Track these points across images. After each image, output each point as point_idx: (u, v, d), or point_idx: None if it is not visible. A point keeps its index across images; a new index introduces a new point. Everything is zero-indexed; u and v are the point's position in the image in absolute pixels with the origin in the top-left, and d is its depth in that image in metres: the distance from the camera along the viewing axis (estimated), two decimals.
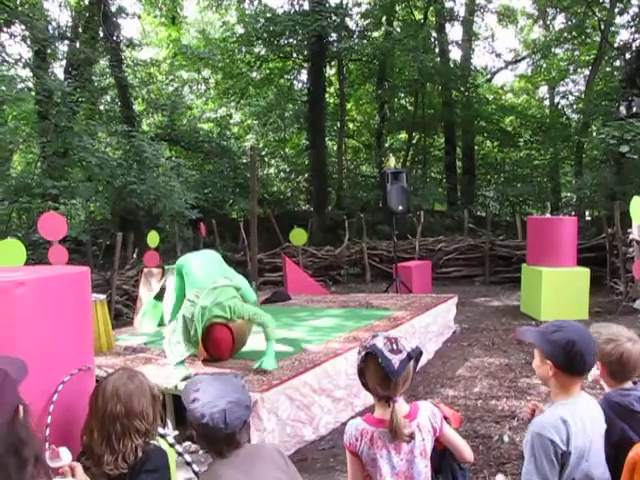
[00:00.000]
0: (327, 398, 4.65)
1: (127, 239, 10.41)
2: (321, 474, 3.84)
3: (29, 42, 12.55)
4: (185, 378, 4.29)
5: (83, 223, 14.77)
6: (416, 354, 2.04)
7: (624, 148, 9.96)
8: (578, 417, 1.99)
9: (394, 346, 2.01)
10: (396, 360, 1.97)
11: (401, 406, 2.04)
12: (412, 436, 2.02)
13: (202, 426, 1.90)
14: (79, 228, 11.87)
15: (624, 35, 18.10)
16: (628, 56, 15.09)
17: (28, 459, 1.43)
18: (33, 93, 12.55)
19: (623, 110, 11.38)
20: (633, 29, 15.75)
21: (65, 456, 1.86)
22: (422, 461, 2.06)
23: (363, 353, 2.05)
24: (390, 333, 2.15)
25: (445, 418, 2.21)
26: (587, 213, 17.10)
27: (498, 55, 21.03)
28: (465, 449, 2.19)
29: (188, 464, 2.24)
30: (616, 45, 17.05)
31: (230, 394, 1.95)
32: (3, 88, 10.88)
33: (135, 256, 10.52)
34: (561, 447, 1.93)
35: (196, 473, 2.25)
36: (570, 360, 2.01)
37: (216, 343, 4.86)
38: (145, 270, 8.32)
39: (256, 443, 2.13)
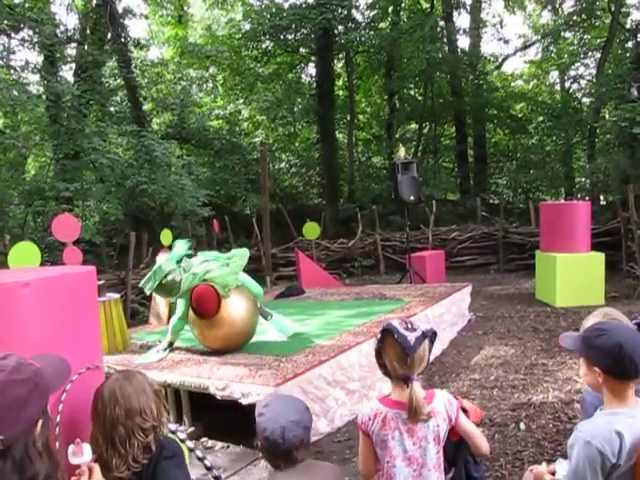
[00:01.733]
0: (341, 390, 4.66)
1: (141, 238, 10.48)
2: (338, 465, 3.85)
3: (37, 47, 12.64)
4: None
5: (97, 224, 14.89)
6: (430, 334, 2.12)
7: (637, 130, 9.85)
8: (635, 431, 1.87)
9: (409, 325, 2.10)
10: (412, 337, 2.04)
11: (419, 388, 2.06)
12: (430, 415, 2.03)
13: (264, 439, 2.07)
14: (93, 230, 11.98)
15: (636, 15, 17.83)
16: (639, 38, 14.87)
17: (32, 478, 1.39)
18: (44, 97, 12.66)
19: (635, 92, 11.23)
20: None
21: (87, 454, 1.88)
22: (434, 447, 2.07)
23: (380, 334, 2.14)
24: None
25: (464, 410, 2.20)
26: (601, 197, 16.92)
27: (506, 42, 20.83)
28: (481, 441, 2.17)
29: (200, 459, 2.26)
30: (627, 26, 16.79)
31: (292, 414, 2.11)
32: (15, 93, 10.98)
33: (149, 255, 10.58)
34: (610, 460, 1.84)
35: (209, 468, 2.26)
36: (620, 365, 1.91)
37: (199, 298, 4.90)
38: None
39: (316, 461, 2.28)
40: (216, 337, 5.10)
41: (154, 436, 2.01)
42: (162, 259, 5.26)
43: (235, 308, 5.09)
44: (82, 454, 1.87)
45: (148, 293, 5.23)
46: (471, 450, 2.17)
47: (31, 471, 1.39)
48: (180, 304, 5.27)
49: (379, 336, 2.14)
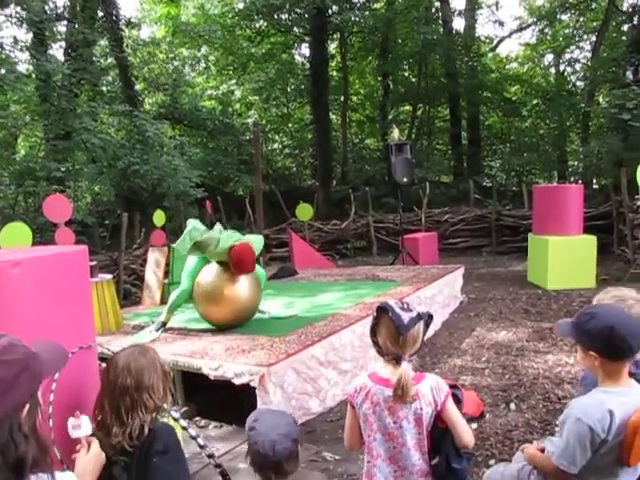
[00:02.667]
0: (334, 371, 4.68)
1: (133, 219, 10.43)
2: (330, 445, 3.88)
3: (26, 24, 12.43)
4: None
5: (89, 205, 14.81)
6: (426, 317, 2.13)
7: (626, 116, 9.87)
8: (626, 410, 1.91)
9: (405, 305, 2.13)
10: (406, 316, 2.06)
11: (409, 368, 2.07)
12: (414, 398, 2.04)
13: (255, 452, 2.13)
14: (85, 211, 11.91)
15: None
16: (635, 21, 14.81)
17: (17, 462, 1.36)
18: (33, 76, 12.50)
19: (630, 75, 11.23)
20: None
21: (85, 427, 1.92)
22: (415, 429, 2.07)
23: (375, 311, 2.17)
24: None
25: (457, 400, 2.18)
26: (594, 181, 16.95)
27: (501, 24, 20.70)
28: (464, 433, 2.11)
29: (193, 438, 2.27)
30: (624, 9, 16.71)
31: (281, 427, 2.16)
32: (3, 71, 10.82)
33: (142, 236, 10.54)
34: (600, 436, 1.88)
35: (202, 447, 2.28)
36: (613, 346, 1.93)
37: (242, 253, 5.15)
38: (151, 249, 8.35)
39: (304, 471, 2.36)
40: (221, 313, 5.25)
41: (153, 417, 2.04)
42: (190, 222, 5.31)
43: (239, 285, 5.25)
44: (80, 427, 1.91)
45: (184, 254, 5.27)
46: (454, 440, 2.16)
47: (15, 455, 1.36)
48: (186, 278, 5.35)
49: (375, 314, 2.16)
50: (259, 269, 5.75)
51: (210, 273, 5.32)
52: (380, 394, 2.08)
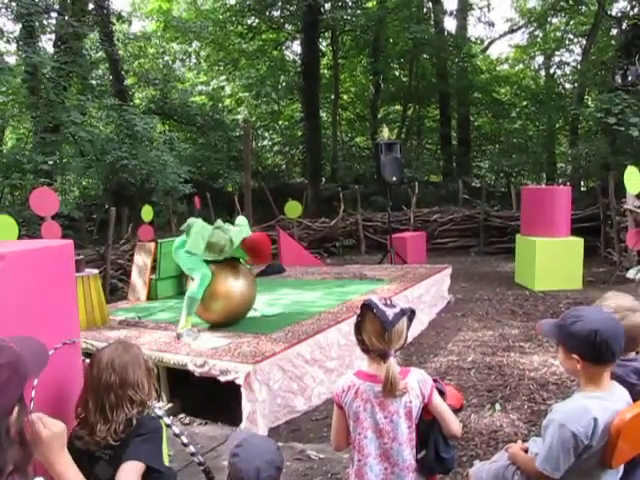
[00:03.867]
0: (319, 369, 4.67)
1: (121, 214, 10.36)
2: (314, 443, 3.88)
3: (14, 15, 12.30)
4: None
5: (77, 199, 14.70)
6: (409, 312, 2.15)
7: (611, 120, 9.95)
8: (609, 414, 1.89)
9: (388, 302, 2.14)
10: (390, 312, 2.08)
11: (395, 364, 2.08)
12: (404, 391, 2.06)
13: (237, 479, 2.07)
14: (72, 205, 11.81)
15: (621, 4, 17.87)
16: (624, 26, 14.90)
17: (1, 469, 1.31)
18: (23, 68, 12.38)
19: (619, 79, 11.29)
20: None
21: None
22: (405, 422, 2.09)
23: (359, 309, 2.17)
24: None
25: (440, 392, 2.22)
26: (582, 183, 17.06)
27: (491, 24, 20.78)
28: (452, 422, 2.18)
29: (177, 436, 2.25)
30: (614, 14, 16.82)
31: (265, 454, 2.11)
32: None
33: (129, 231, 10.48)
34: (583, 442, 1.86)
35: (185, 444, 2.26)
36: (596, 351, 1.90)
37: (261, 241, 5.29)
38: (139, 244, 8.30)
39: None
40: (216, 310, 5.19)
41: (137, 412, 2.03)
42: (196, 221, 5.26)
43: (234, 282, 5.20)
44: None
45: (200, 254, 5.08)
46: (442, 430, 2.20)
47: (1, 460, 1.31)
48: (200, 271, 5.10)
49: (359, 311, 2.17)
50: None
51: None
52: (370, 390, 2.10)
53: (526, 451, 2.32)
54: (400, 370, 2.10)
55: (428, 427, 2.17)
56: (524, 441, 2.52)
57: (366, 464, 2.13)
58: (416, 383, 2.12)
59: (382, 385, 2.05)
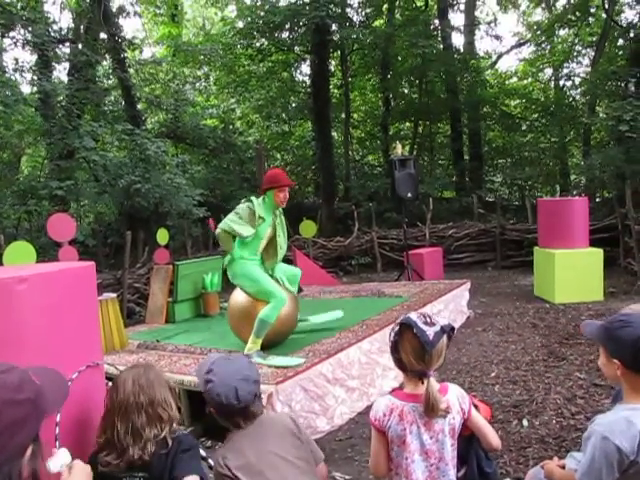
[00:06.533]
0: (341, 388, 4.61)
1: (137, 238, 10.39)
2: (339, 465, 3.81)
3: (30, 46, 12.53)
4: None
5: (91, 224, 14.81)
6: (448, 330, 2.06)
7: (623, 127, 9.90)
8: None
9: (428, 319, 2.04)
10: (431, 331, 1.99)
11: (435, 383, 2.02)
12: (448, 410, 2.00)
13: (218, 404, 2.09)
14: (87, 230, 11.90)
15: (629, 14, 17.86)
16: (632, 35, 14.86)
17: None
18: (36, 97, 12.56)
19: (632, 87, 11.23)
20: (639, 7, 15.51)
21: (63, 458, 1.73)
22: (450, 440, 2.03)
23: (397, 327, 2.07)
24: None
25: (474, 406, 2.17)
26: (597, 194, 16.91)
27: (497, 38, 20.87)
28: (492, 436, 2.13)
29: (204, 459, 2.23)
30: (622, 23, 16.79)
31: (240, 372, 2.13)
32: (8, 93, 10.88)
33: (145, 254, 10.51)
34: (629, 456, 1.78)
35: (211, 467, 2.23)
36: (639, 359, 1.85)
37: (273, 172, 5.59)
38: (156, 267, 8.31)
39: (270, 414, 2.35)
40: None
41: (169, 429, 2.03)
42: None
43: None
44: (59, 458, 1.73)
45: (251, 232, 5.13)
46: (482, 445, 2.13)
47: None
48: (277, 295, 4.98)
49: (396, 329, 2.08)
50: (294, 269, 5.82)
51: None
52: (415, 411, 2.01)
53: (563, 467, 2.25)
54: (439, 387, 2.04)
55: (467, 442, 2.11)
56: (560, 458, 2.44)
57: None
58: (456, 399, 2.06)
59: (423, 406, 1.98)
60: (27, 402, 1.29)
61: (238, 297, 5.25)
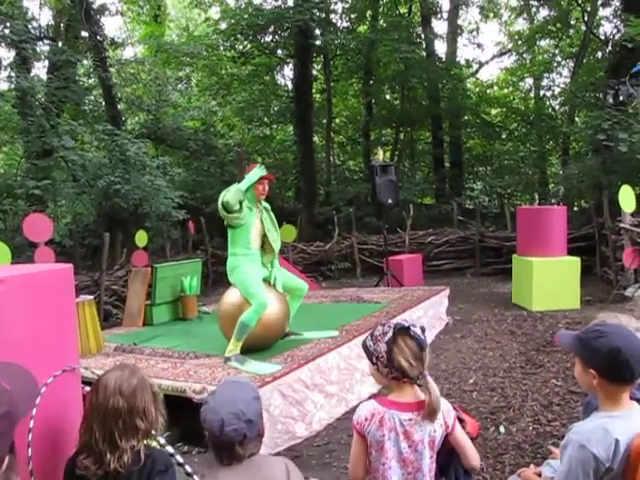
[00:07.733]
0: (319, 394, 4.59)
1: (115, 239, 10.28)
2: (317, 470, 3.79)
3: (7, 42, 12.34)
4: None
5: (69, 225, 14.62)
6: (424, 331, 2.09)
7: (601, 136, 10.05)
8: (630, 434, 1.82)
9: (409, 321, 2.09)
10: (419, 331, 2.04)
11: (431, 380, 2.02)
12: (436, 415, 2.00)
13: (206, 429, 1.93)
14: (63, 231, 11.74)
15: (607, 27, 18.21)
16: (610, 47, 15.12)
17: None
18: (13, 94, 12.38)
19: (610, 99, 11.38)
20: (616, 20, 15.82)
21: None
22: (429, 452, 2.03)
23: (391, 333, 2.04)
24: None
25: (460, 421, 2.16)
26: (575, 203, 17.12)
27: (479, 46, 21.09)
28: (473, 454, 2.12)
29: (181, 465, 2.18)
30: (600, 36, 17.10)
31: (234, 404, 1.92)
32: None
33: (123, 256, 10.39)
34: (604, 464, 1.79)
35: (189, 474, 2.19)
36: (615, 369, 1.86)
37: None
38: (134, 270, 8.23)
39: (265, 455, 2.09)
40: (253, 333, 5.00)
41: (145, 443, 1.94)
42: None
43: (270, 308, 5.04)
44: None
45: (242, 195, 5.28)
46: (461, 462, 2.12)
47: None
48: (259, 299, 4.92)
49: (389, 337, 2.03)
50: (301, 282, 5.86)
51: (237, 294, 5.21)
52: (395, 419, 2.01)
53: (539, 475, 2.26)
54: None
55: (447, 456, 2.10)
56: (536, 464, 2.45)
57: None
58: (440, 413, 2.04)
59: (425, 407, 1.98)
60: (5, 416, 1.23)
61: (228, 297, 5.23)
